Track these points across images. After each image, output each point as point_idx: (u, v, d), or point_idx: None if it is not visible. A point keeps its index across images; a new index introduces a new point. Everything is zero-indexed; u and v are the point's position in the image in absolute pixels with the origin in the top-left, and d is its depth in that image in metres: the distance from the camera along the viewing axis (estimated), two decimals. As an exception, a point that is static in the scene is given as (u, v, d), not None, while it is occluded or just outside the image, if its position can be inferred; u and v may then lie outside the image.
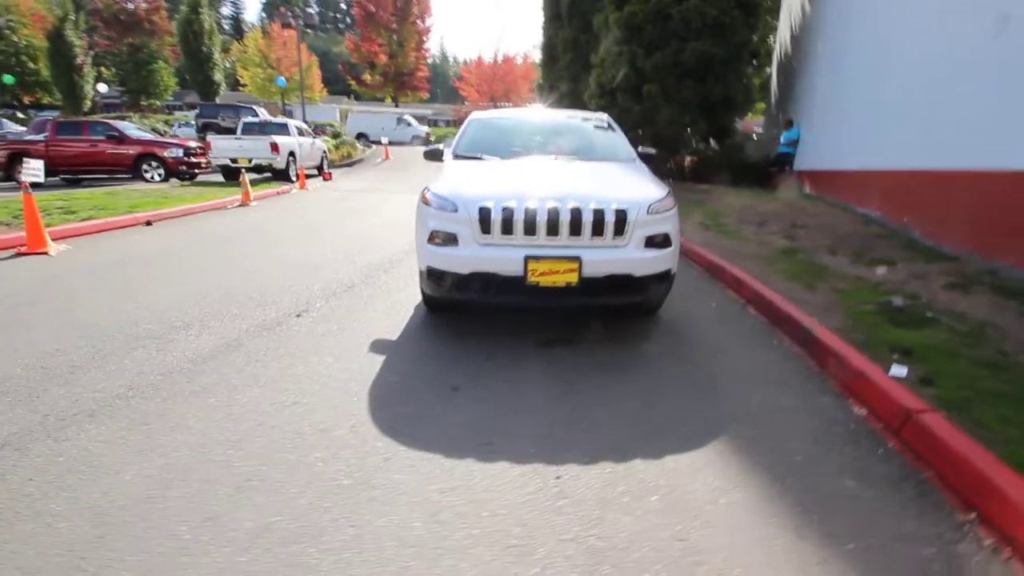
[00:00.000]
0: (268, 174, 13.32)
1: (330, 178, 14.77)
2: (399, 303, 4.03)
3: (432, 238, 3.11)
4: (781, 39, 13.55)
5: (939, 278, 4.41)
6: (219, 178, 13.48)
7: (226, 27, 65.33)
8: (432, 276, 3.15)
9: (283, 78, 27.80)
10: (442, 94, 48.41)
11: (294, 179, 12.98)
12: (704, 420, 2.37)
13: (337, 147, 18.33)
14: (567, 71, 15.64)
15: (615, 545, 1.61)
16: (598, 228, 2.92)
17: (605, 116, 4.81)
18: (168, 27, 33.10)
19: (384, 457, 2.05)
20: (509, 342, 3.23)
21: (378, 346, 3.16)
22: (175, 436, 2.17)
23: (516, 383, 2.69)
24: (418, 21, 32.57)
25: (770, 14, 13.40)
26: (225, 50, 33.84)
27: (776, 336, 3.45)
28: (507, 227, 2.93)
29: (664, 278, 3.13)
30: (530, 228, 2.91)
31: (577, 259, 2.87)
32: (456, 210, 3.02)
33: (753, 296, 4.03)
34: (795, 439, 2.21)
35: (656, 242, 3.04)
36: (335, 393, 2.56)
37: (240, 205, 9.28)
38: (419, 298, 3.89)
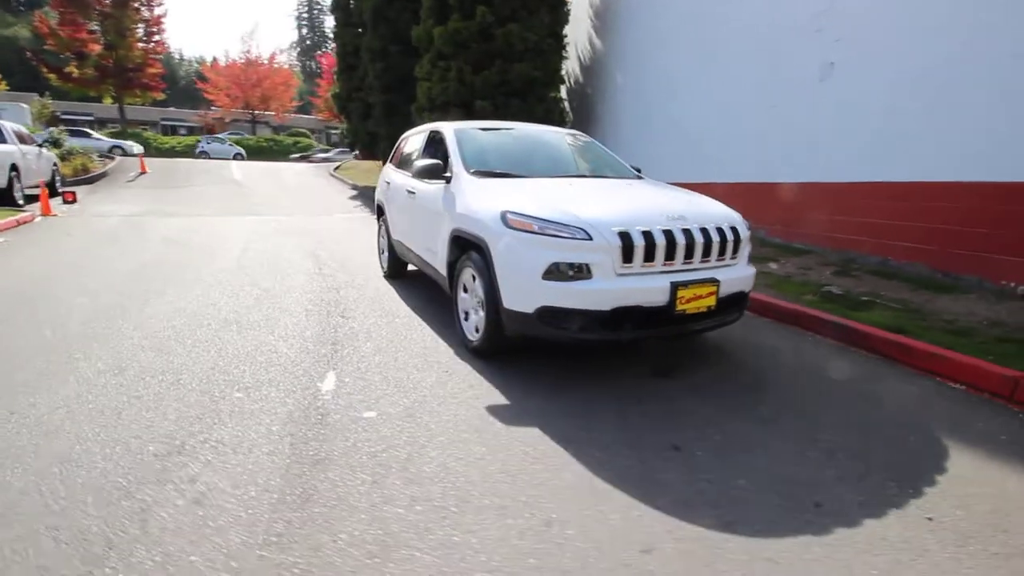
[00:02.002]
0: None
1: (74, 199, 10.95)
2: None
3: (552, 272, 2.60)
4: (571, 69, 15.35)
5: (823, 268, 5.61)
6: None
7: None
8: (550, 318, 2.63)
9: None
10: (174, 96, 40.55)
11: (21, 202, 9.28)
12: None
13: (64, 158, 13.67)
14: (378, 81, 14.79)
15: None
16: (723, 248, 2.85)
17: (579, 132, 4.72)
18: None
19: None
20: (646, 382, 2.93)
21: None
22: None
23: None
24: (143, 8, 26.55)
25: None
26: None
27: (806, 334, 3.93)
28: (649, 254, 2.63)
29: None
30: (670, 253, 2.68)
31: (716, 281, 2.76)
32: (590, 238, 2.58)
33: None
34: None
35: (749, 258, 3.12)
36: None
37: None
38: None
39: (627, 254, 2.60)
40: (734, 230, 2.93)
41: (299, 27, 63.13)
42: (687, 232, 2.73)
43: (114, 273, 5.21)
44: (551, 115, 12.76)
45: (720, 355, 3.38)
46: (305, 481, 1.93)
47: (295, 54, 58.58)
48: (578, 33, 13.93)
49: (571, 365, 3.08)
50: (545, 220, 2.68)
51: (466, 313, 3.36)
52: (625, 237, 2.60)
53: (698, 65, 8.66)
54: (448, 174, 3.63)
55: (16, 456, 2.04)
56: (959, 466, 2.13)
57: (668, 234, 2.67)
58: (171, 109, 39.94)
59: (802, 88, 6.36)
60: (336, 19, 16.74)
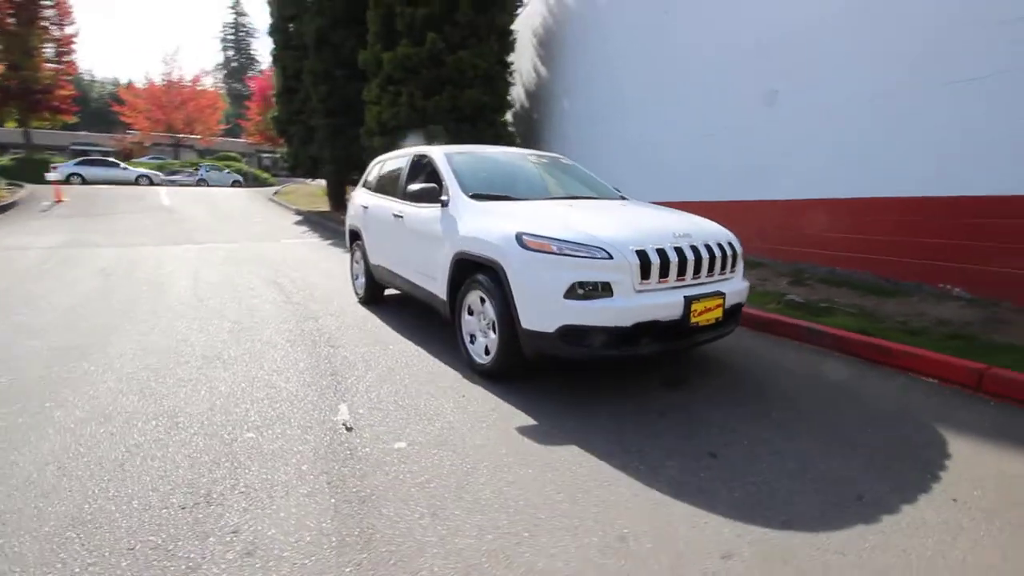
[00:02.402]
0: None
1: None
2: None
3: (574, 291, 2.64)
4: (516, 95, 15.73)
5: (779, 279, 6.03)
6: None
7: None
8: (573, 336, 2.67)
9: None
10: (84, 119, 37.65)
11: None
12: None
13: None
14: (322, 105, 14.45)
15: None
16: (724, 263, 3.02)
17: (560, 155, 4.84)
18: None
19: None
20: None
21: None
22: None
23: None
24: (52, 27, 24.63)
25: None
26: None
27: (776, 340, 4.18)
28: (664, 270, 2.74)
29: (740, 305, 3.42)
30: (682, 269, 2.80)
31: (722, 294, 2.91)
32: (611, 256, 2.65)
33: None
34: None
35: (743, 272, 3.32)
36: None
37: None
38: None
39: (645, 271, 2.70)
40: (731, 245, 3.12)
41: (224, 49, 60.71)
42: (695, 249, 2.87)
43: (54, 310, 4.73)
44: (500, 140, 12.98)
45: (716, 364, 3.54)
46: (360, 520, 1.83)
47: (221, 76, 56.13)
48: (522, 61, 14.36)
49: (581, 382, 3.12)
50: (564, 241, 2.73)
51: (471, 336, 3.33)
52: (643, 255, 2.70)
53: (650, 89, 9.14)
54: (444, 197, 3.61)
55: (17, 523, 1.79)
56: (959, 451, 2.35)
57: (679, 251, 2.80)
58: (83, 133, 36.97)
59: (751, 112, 6.88)
60: (275, 42, 16.26)
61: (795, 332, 4.13)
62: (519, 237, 2.84)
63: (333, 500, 1.94)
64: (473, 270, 3.27)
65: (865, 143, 5.53)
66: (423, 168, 4.25)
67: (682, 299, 2.74)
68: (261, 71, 53.70)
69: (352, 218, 5.40)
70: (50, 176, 16.91)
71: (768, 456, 2.30)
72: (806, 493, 2.02)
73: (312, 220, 15.08)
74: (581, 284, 2.66)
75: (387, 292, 5.35)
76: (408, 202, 4.21)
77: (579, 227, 2.85)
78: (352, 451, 2.32)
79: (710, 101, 7.56)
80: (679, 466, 2.21)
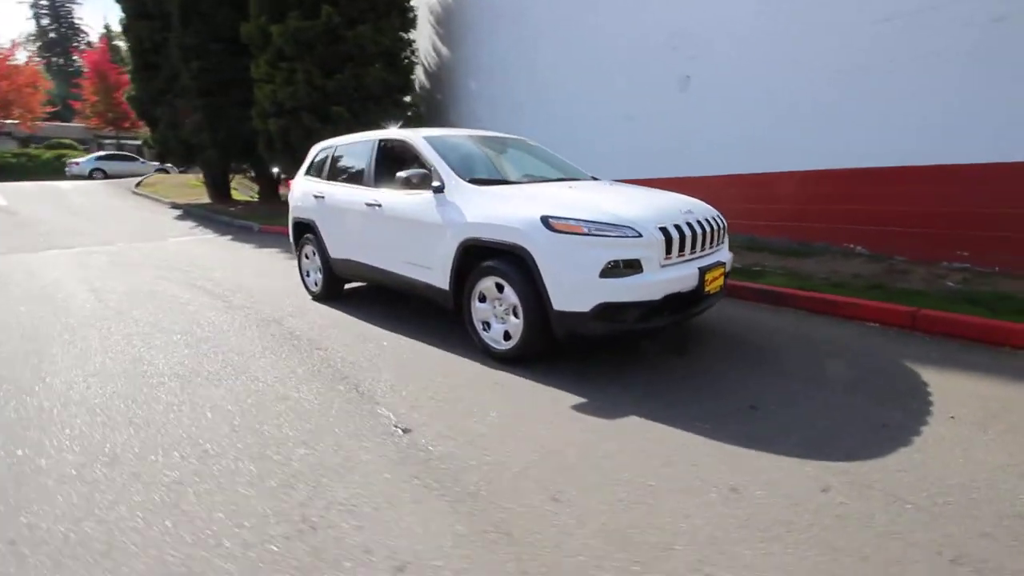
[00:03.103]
0: None
1: None
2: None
3: (608, 270, 2.75)
4: (417, 75, 15.22)
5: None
6: None
7: None
8: (609, 313, 2.78)
9: None
10: None
11: None
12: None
13: None
14: (195, 83, 12.75)
15: None
16: (716, 235, 3.30)
17: (524, 137, 4.83)
18: None
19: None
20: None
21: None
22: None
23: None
24: None
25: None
26: None
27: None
28: (682, 245, 2.94)
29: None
30: (693, 243, 3.02)
31: (723, 263, 3.20)
32: (640, 235, 2.79)
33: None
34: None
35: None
36: None
37: None
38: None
39: (668, 247, 2.88)
40: (720, 219, 3.42)
41: (37, 17, 50.51)
42: (700, 223, 3.11)
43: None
44: (409, 121, 12.56)
45: (701, 330, 3.88)
46: (487, 516, 1.80)
47: (35, 49, 46.78)
48: (421, 40, 13.90)
49: (594, 359, 3.25)
50: (594, 222, 2.81)
51: (485, 323, 3.31)
52: (665, 232, 2.87)
53: (569, 74, 9.33)
54: (436, 183, 3.49)
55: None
56: (931, 379, 2.87)
57: (690, 227, 3.02)
58: None
59: (667, 96, 7.38)
60: (124, 10, 13.92)
61: (749, 294, 4.63)
62: (545, 220, 2.87)
63: (446, 503, 1.88)
64: (483, 256, 3.23)
65: (766, 125, 6.24)
66: (395, 153, 4.04)
67: (697, 270, 2.98)
68: (90, 43, 45.80)
69: (300, 210, 4.97)
70: None
71: (796, 403, 2.63)
72: (844, 428, 2.36)
73: (196, 214, 13.48)
74: (614, 263, 2.77)
75: (348, 286, 5.05)
76: (384, 189, 3.99)
77: (604, 208, 2.94)
78: (427, 452, 2.23)
79: (630, 85, 7.97)
80: (733, 421, 2.44)
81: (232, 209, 14.13)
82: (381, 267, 4.07)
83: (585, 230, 2.80)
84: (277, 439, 2.37)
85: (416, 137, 3.88)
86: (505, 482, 2.01)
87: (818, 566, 1.54)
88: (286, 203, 5.53)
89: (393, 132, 4.20)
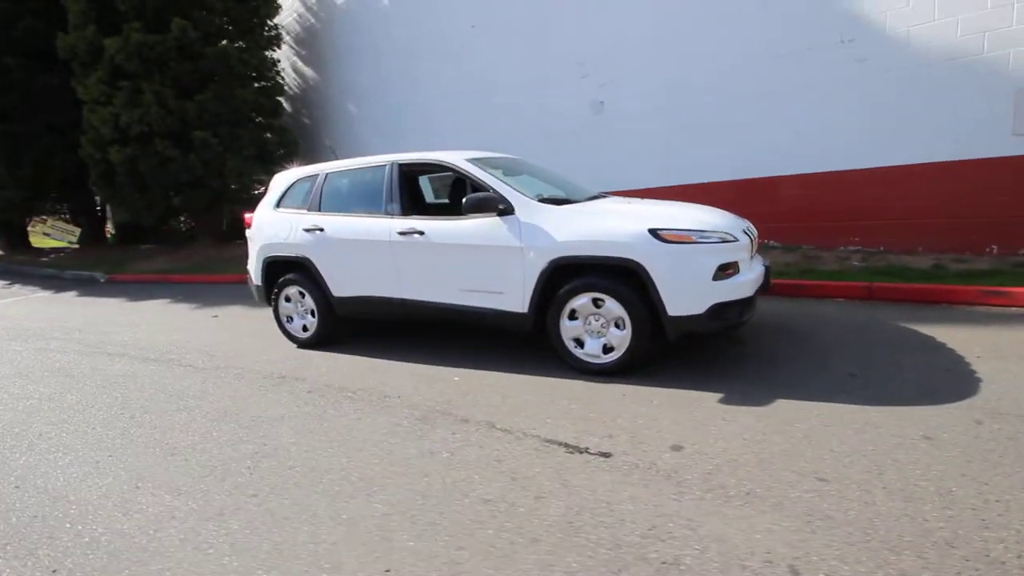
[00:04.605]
0: None
1: None
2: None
3: (722, 272, 3.02)
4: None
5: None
6: None
7: None
8: (721, 312, 3.04)
9: None
10: None
11: None
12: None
13: None
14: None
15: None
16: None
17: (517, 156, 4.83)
18: None
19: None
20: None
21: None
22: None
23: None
24: None
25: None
26: None
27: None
28: (753, 248, 3.34)
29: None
30: (753, 247, 3.44)
31: (767, 263, 3.67)
32: (737, 240, 3.10)
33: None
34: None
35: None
36: None
37: None
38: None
39: (750, 251, 3.25)
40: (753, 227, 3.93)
41: None
42: (750, 231, 3.56)
43: None
44: (284, 146, 11.52)
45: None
46: (818, 506, 1.89)
47: None
48: (281, 60, 12.85)
49: (678, 360, 3.49)
50: (699, 231, 3.04)
51: (577, 341, 3.31)
52: (746, 237, 3.24)
53: (462, 100, 9.44)
54: (503, 206, 3.40)
55: None
56: (928, 334, 3.66)
57: (749, 233, 3.44)
58: None
59: (581, 119, 8.00)
60: None
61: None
62: (655, 232, 3.02)
63: (713, 505, 1.92)
64: (571, 275, 3.25)
65: (675, 142, 7.20)
66: (420, 180, 3.81)
67: (763, 268, 3.40)
68: None
69: (281, 247, 4.30)
70: None
71: (876, 369, 3.15)
72: (910, 381, 2.91)
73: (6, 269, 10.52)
74: (722, 267, 3.04)
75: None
76: (421, 217, 3.74)
77: (696, 217, 3.20)
78: (650, 471, 2.21)
79: (541, 111, 8.42)
80: (850, 388, 2.86)
81: (44, 259, 11.24)
82: (422, 300, 3.76)
83: (695, 239, 3.03)
84: (456, 488, 2.12)
85: (459, 160, 3.71)
86: (773, 474, 2.10)
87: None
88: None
89: (419, 155, 3.94)
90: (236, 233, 12.81)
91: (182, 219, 13.13)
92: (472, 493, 2.12)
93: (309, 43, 13.01)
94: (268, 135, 11.04)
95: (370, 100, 11.61)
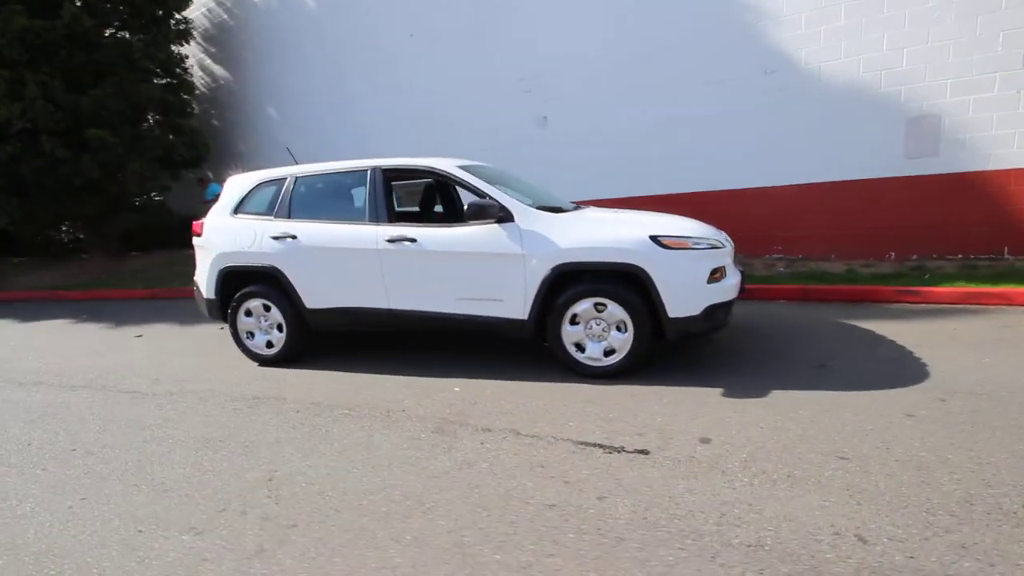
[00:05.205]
0: None
1: None
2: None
3: (713, 276, 3.24)
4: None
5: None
6: None
7: None
8: (712, 313, 3.27)
9: None
10: None
11: None
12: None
13: None
14: None
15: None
16: (726, 245, 4.10)
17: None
18: None
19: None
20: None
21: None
22: None
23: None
24: None
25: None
26: None
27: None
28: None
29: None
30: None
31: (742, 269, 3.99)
32: (725, 246, 3.35)
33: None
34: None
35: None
36: None
37: None
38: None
39: (732, 256, 3.52)
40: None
41: None
42: (728, 239, 3.85)
43: None
44: (193, 149, 10.55)
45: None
46: (857, 480, 2.08)
47: None
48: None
49: (668, 363, 3.69)
50: (694, 238, 3.25)
51: (578, 345, 3.38)
52: (728, 244, 3.51)
53: (409, 107, 9.25)
54: (501, 213, 3.39)
55: None
56: (865, 330, 4.18)
57: (728, 241, 3.73)
58: None
59: (522, 134, 8.17)
60: None
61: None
62: (656, 239, 3.18)
63: (764, 489, 2.08)
64: (572, 280, 3.33)
65: (615, 160, 7.61)
66: (413, 185, 3.70)
67: (740, 274, 3.71)
68: None
69: (242, 256, 3.94)
70: None
71: (845, 361, 3.52)
72: (871, 369, 3.33)
73: None
74: (714, 271, 3.27)
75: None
76: (410, 224, 3.62)
77: (687, 226, 3.41)
78: (693, 464, 2.32)
79: (489, 124, 8.45)
80: (825, 377, 3.19)
81: None
82: (413, 309, 3.63)
83: (690, 244, 3.23)
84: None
85: (450, 166, 3.64)
86: (800, 457, 2.29)
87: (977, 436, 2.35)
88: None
89: (403, 161, 3.80)
90: (134, 244, 11.46)
91: (64, 228, 11.50)
92: (532, 500, 2.10)
93: (221, 40, 12.07)
94: (175, 136, 10.05)
95: (294, 104, 10.99)
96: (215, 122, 12.53)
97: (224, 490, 2.30)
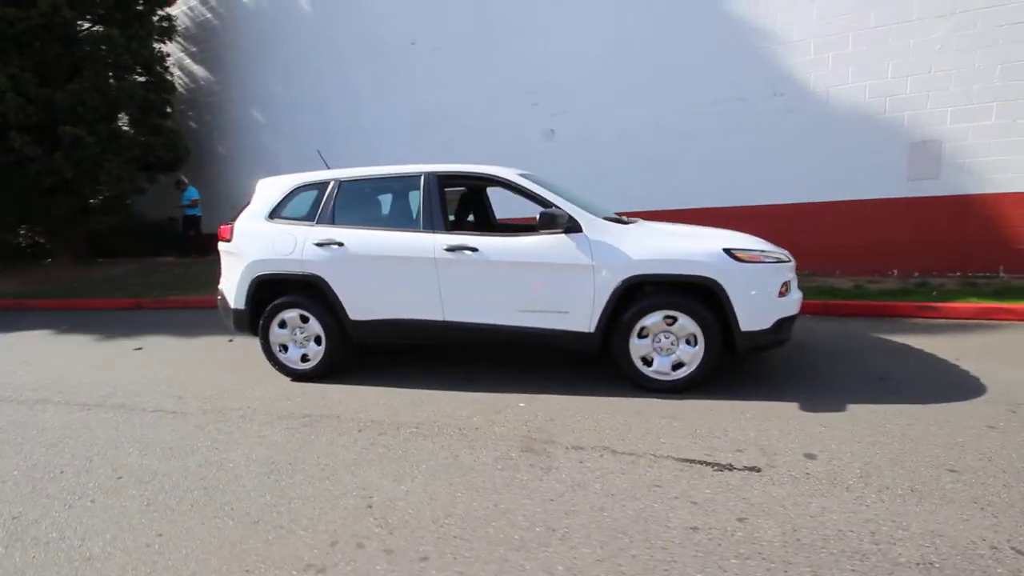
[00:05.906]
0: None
1: None
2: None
3: (781, 290, 3.26)
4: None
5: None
6: None
7: None
8: (781, 326, 3.28)
9: None
10: None
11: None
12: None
13: None
14: None
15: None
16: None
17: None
18: None
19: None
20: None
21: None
22: None
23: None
24: None
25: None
26: None
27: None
28: (789, 269, 3.67)
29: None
30: (786, 267, 3.78)
31: (785, 281, 4.04)
32: (789, 260, 3.37)
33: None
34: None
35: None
36: None
37: None
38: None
39: (794, 271, 3.56)
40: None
41: None
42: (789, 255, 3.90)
43: None
44: (172, 150, 10.01)
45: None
46: (973, 492, 2.08)
47: None
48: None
49: (732, 378, 3.68)
50: (765, 251, 3.27)
51: (644, 359, 3.32)
52: (791, 258, 3.54)
53: (413, 116, 9.07)
54: (569, 224, 3.32)
55: None
56: (901, 344, 4.30)
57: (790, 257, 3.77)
58: None
59: (529, 146, 8.14)
60: None
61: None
62: (730, 252, 3.17)
63: (897, 504, 2.06)
64: (640, 293, 3.28)
65: (622, 174, 7.68)
66: (470, 192, 3.58)
67: (799, 290, 3.75)
68: None
69: (284, 264, 3.69)
70: None
71: (894, 371, 3.60)
72: (928, 382, 3.42)
73: None
74: (786, 283, 3.29)
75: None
76: (469, 233, 3.49)
77: (755, 240, 3.43)
78: (812, 481, 2.29)
79: (494, 135, 8.39)
80: (892, 391, 3.25)
81: None
82: (471, 322, 3.49)
83: (763, 258, 3.24)
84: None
85: (513, 175, 3.54)
86: (912, 471, 2.28)
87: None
88: None
89: (459, 167, 3.65)
90: (100, 250, 10.71)
91: (22, 231, 10.64)
92: (670, 524, 2.00)
93: (202, 40, 11.57)
94: (154, 137, 9.51)
95: (282, 108, 10.62)
96: (192, 124, 11.97)
97: (324, 520, 2.10)
